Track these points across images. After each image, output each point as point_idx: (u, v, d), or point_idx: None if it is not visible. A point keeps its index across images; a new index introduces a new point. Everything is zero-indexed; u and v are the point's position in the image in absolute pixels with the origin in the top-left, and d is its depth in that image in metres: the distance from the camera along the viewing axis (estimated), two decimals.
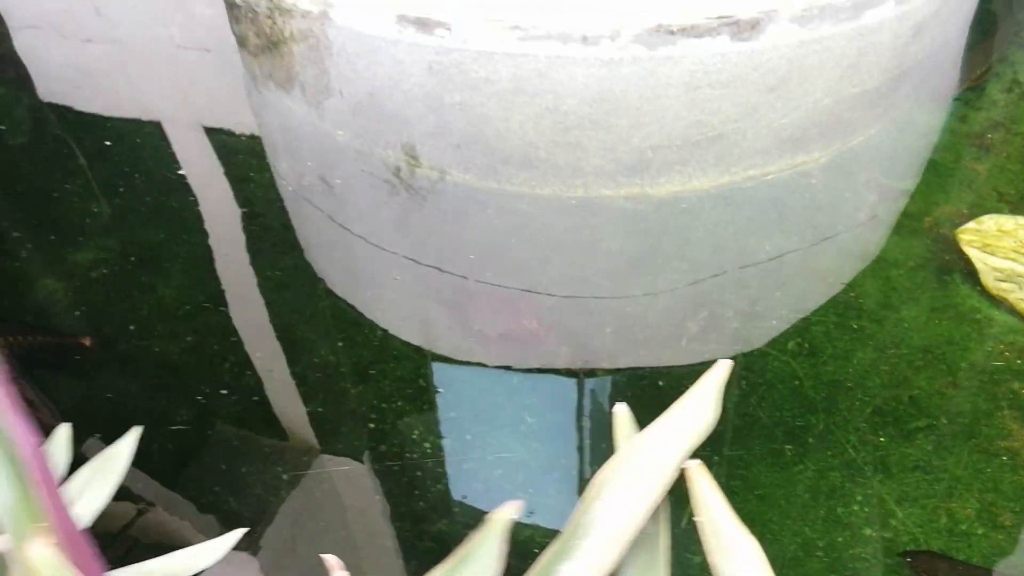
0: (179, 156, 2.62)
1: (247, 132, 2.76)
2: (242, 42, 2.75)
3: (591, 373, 1.89)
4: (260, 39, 2.56)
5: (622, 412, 0.90)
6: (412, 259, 2.17)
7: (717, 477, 1.69)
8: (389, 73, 2.15)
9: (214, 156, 2.63)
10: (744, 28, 1.93)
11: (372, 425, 1.74)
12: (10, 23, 3.40)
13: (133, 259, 2.18)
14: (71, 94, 2.97)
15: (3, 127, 2.77)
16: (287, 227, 2.30)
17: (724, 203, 2.31)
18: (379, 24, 2.08)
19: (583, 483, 1.69)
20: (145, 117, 2.80)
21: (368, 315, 2.01)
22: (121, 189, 2.44)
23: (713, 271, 2.12)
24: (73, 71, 3.12)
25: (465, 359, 1.92)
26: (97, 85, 3.01)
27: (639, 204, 2.33)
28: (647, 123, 2.10)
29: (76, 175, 2.53)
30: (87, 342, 1.89)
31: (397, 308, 2.05)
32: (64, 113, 2.87)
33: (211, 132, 2.76)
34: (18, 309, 2.03)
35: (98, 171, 2.55)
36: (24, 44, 3.28)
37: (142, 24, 3.37)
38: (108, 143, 2.66)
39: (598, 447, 1.73)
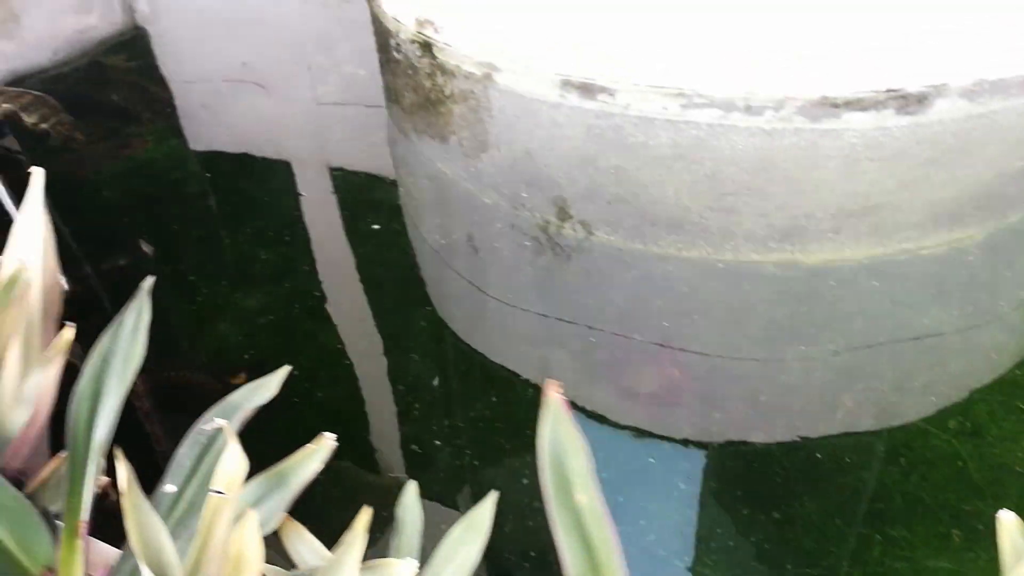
0: (325, 205, 2.79)
1: (389, 183, 2.89)
2: (394, 97, 2.93)
3: (745, 441, 1.89)
4: (417, 96, 2.73)
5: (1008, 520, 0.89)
6: (555, 317, 2.23)
7: (880, 557, 1.65)
8: (546, 135, 2.25)
9: (360, 207, 2.79)
10: (911, 102, 1.93)
11: (525, 481, 1.79)
12: (170, 78, 3.70)
13: (297, 307, 2.32)
14: (220, 141, 3.18)
15: (176, 176, 3.02)
16: (425, 280, 2.41)
17: (877, 275, 2.29)
18: (542, 88, 2.18)
19: (738, 554, 1.68)
20: (300, 169, 2.99)
21: (514, 372, 2.08)
22: (287, 238, 2.61)
23: (867, 342, 2.09)
24: (220, 122, 3.35)
25: (614, 420, 1.95)
26: (245, 133, 3.23)
27: (789, 271, 2.33)
28: (803, 191, 2.12)
29: (244, 222, 2.72)
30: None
31: (540, 366, 2.11)
32: (216, 161, 3.09)
33: (353, 181, 2.92)
34: (194, 351, 2.19)
35: (262, 219, 2.74)
36: (182, 98, 3.56)
37: (284, 75, 3.61)
38: (266, 197, 2.86)
39: (755, 518, 1.72)
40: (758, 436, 1.91)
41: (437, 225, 2.64)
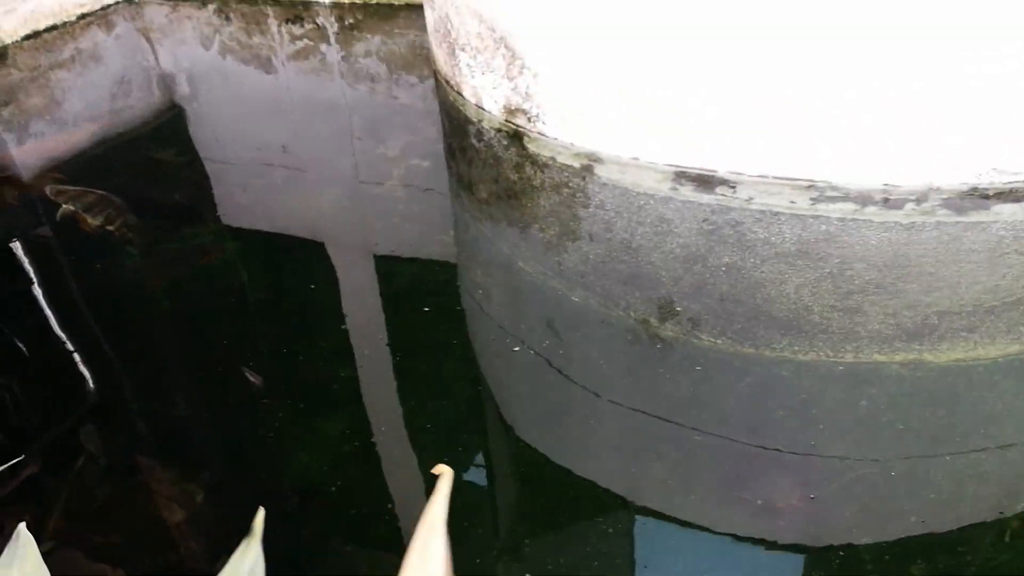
0: (377, 293, 2.65)
1: (445, 266, 2.76)
2: (466, 185, 2.84)
3: (887, 550, 1.69)
4: (497, 186, 2.63)
5: None
6: (649, 413, 2.05)
7: None
8: (651, 231, 2.13)
9: (419, 292, 2.65)
10: None
11: None
12: (207, 159, 3.63)
13: (383, 428, 2.16)
14: (261, 225, 3.08)
15: (234, 281, 2.89)
16: (496, 367, 2.24)
17: (1014, 373, 2.12)
18: (651, 181, 2.08)
19: None
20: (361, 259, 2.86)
21: (590, 477, 1.90)
22: (360, 356, 2.47)
23: (1003, 443, 1.92)
24: (260, 205, 3.23)
25: (713, 527, 1.76)
26: (285, 219, 3.12)
27: (916, 371, 2.17)
28: (938, 288, 1.97)
29: (308, 327, 2.58)
30: None
31: (625, 464, 1.92)
32: (267, 255, 2.97)
33: (406, 266, 2.79)
34: (278, 485, 2.01)
35: (322, 321, 2.60)
36: (219, 181, 3.47)
37: (326, 159, 3.52)
38: (318, 291, 2.73)
39: None
40: (899, 538, 1.71)
41: (510, 311, 2.49)
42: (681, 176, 1.95)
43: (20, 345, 2.57)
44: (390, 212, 3.07)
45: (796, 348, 2.25)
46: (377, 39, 4.42)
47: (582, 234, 2.40)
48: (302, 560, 1.81)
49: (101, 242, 2.91)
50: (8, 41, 4.50)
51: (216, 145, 3.77)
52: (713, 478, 1.97)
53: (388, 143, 3.55)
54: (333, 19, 4.66)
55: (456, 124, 2.89)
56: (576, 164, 2.17)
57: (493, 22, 2.40)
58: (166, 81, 4.33)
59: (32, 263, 2.90)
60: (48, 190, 2.99)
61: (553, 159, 2.23)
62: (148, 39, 4.76)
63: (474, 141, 2.73)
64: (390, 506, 1.90)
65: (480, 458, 2.09)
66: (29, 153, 3.65)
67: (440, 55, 3.06)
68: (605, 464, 2.01)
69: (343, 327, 2.57)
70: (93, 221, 2.82)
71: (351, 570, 1.80)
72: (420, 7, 4.58)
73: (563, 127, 2.29)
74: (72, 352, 2.47)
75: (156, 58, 4.61)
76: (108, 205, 2.89)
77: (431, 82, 3.91)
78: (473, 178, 2.88)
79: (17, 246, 2.94)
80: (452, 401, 2.21)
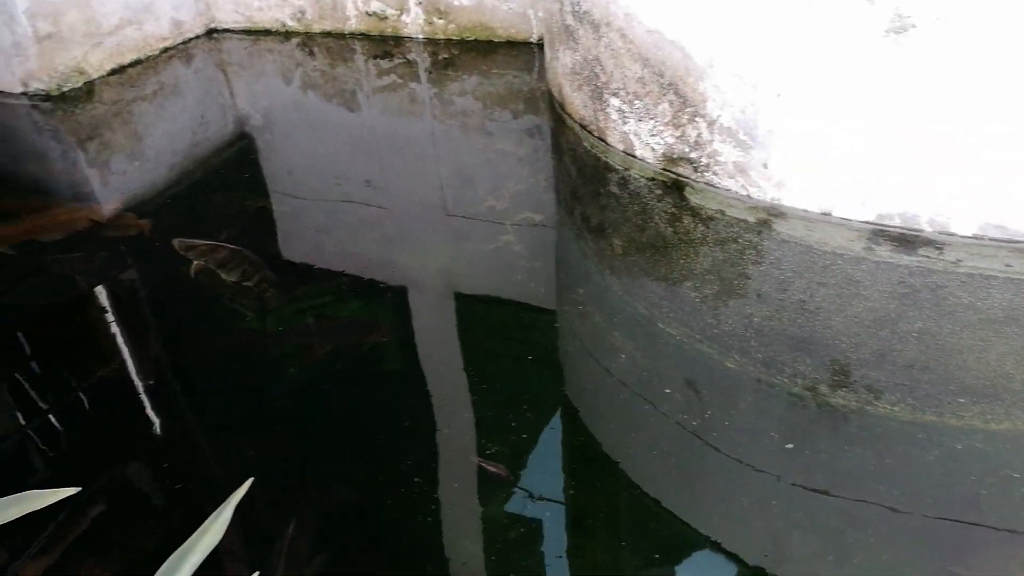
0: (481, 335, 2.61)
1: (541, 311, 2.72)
2: (596, 235, 2.81)
3: None
4: (642, 236, 2.61)
5: None
6: (803, 485, 1.97)
7: None
8: (835, 293, 2.10)
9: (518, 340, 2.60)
10: None
11: None
12: (280, 193, 3.74)
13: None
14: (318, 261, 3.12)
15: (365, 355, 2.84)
16: (638, 441, 2.17)
17: None
18: (842, 239, 2.05)
19: None
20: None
21: (723, 542, 1.82)
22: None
23: None
24: (340, 246, 3.22)
25: None
26: (369, 260, 3.10)
27: None
28: None
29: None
30: None
31: (768, 538, 1.84)
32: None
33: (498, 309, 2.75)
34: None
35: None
36: (293, 216, 3.57)
37: (411, 196, 3.53)
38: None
39: None
40: None
41: (643, 374, 2.42)
42: (879, 235, 1.93)
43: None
44: (494, 263, 3.03)
45: (988, 417, 2.19)
46: (473, 78, 4.45)
47: (748, 293, 2.37)
48: None
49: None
50: (95, 76, 4.81)
51: (302, 185, 3.78)
52: (915, 558, 1.88)
53: (489, 189, 3.54)
54: (426, 55, 4.72)
55: (589, 171, 2.90)
56: (751, 218, 2.15)
57: (662, 67, 2.40)
58: (243, 115, 4.42)
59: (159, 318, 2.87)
60: (176, 244, 3.11)
61: (722, 212, 2.22)
62: (225, 73, 4.87)
63: (615, 189, 2.72)
64: None
65: (617, 529, 2.01)
66: (112, 191, 3.83)
67: (577, 98, 3.08)
68: (765, 545, 1.92)
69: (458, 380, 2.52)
70: (228, 277, 2.82)
71: None
72: (523, 44, 4.66)
73: (739, 178, 2.28)
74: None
75: (232, 94, 4.76)
76: (242, 260, 2.88)
77: (529, 122, 3.93)
78: (607, 228, 2.86)
79: (140, 296, 2.93)
80: (582, 476, 2.14)
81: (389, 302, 2.85)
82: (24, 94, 4.41)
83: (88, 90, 4.60)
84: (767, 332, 2.45)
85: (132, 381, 2.54)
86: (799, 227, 2.17)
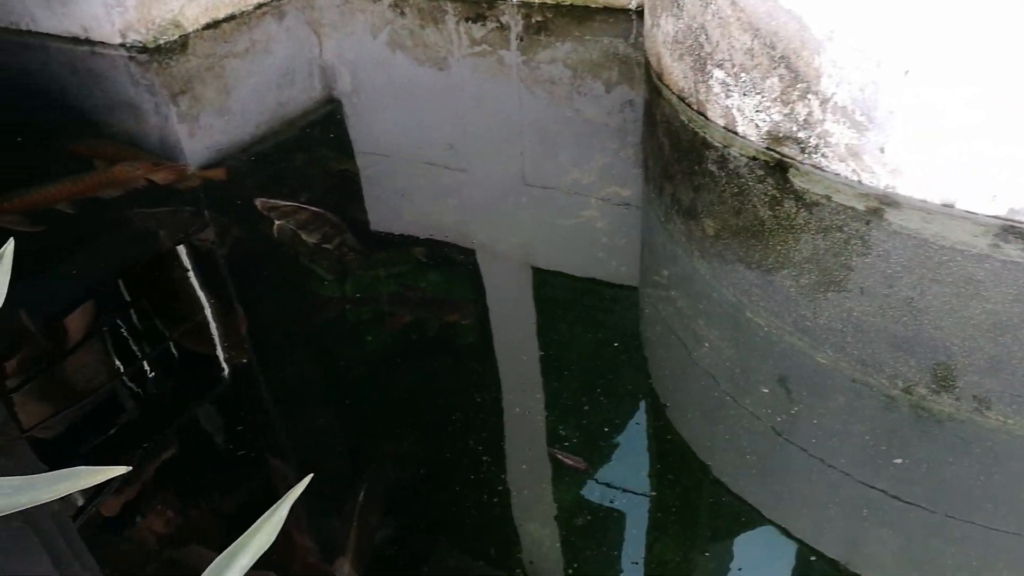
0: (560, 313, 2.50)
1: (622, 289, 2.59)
2: (686, 216, 2.67)
3: None
4: (737, 220, 2.46)
5: None
6: (892, 495, 1.82)
7: None
8: (951, 292, 1.92)
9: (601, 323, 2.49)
10: None
11: None
12: (365, 153, 3.72)
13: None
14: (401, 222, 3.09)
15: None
16: (714, 433, 2.04)
17: None
18: (964, 234, 1.86)
19: None
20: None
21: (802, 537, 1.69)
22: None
23: None
24: (422, 211, 3.20)
25: None
26: (449, 226, 3.03)
27: None
28: None
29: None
30: None
31: (845, 541, 1.69)
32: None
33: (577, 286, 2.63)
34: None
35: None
36: (377, 180, 3.52)
37: (493, 163, 3.50)
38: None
39: None
40: None
41: (726, 363, 2.28)
42: (1009, 231, 1.75)
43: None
44: (580, 237, 2.92)
45: None
46: (567, 44, 4.32)
47: (851, 287, 2.21)
48: None
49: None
50: (190, 29, 4.86)
51: (385, 146, 3.75)
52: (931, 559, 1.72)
53: (574, 161, 3.43)
54: (519, 18, 4.62)
55: (684, 146, 2.76)
56: (860, 206, 1.99)
57: (774, 38, 2.24)
58: (330, 74, 4.45)
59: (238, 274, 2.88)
60: (259, 204, 3.13)
61: (828, 197, 2.06)
62: (316, 31, 4.88)
63: (711, 168, 2.58)
64: None
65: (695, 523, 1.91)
66: (198, 146, 3.88)
67: (677, 69, 2.94)
68: (846, 553, 1.78)
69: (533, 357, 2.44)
70: (309, 239, 2.81)
71: None
72: (621, 11, 4.51)
73: (851, 162, 2.11)
74: None
75: (321, 52, 4.77)
76: (324, 223, 2.87)
77: (622, 92, 3.78)
78: (699, 208, 2.72)
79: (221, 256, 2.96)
80: (658, 467, 2.04)
81: (466, 274, 2.79)
82: (122, 45, 4.52)
83: (183, 43, 4.66)
84: (867, 329, 2.29)
85: (210, 338, 2.57)
86: (915, 218, 2.00)
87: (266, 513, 0.76)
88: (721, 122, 2.49)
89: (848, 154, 2.14)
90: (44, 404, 2.35)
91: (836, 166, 2.12)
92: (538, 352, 2.43)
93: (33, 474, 0.80)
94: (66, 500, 2.01)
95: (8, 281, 0.87)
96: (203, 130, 3.95)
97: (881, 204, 2.04)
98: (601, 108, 3.88)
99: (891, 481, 1.94)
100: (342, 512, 1.92)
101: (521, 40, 4.59)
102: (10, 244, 0.90)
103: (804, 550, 1.81)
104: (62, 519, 1.91)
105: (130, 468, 0.85)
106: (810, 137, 2.25)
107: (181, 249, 2.98)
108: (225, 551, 0.74)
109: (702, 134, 2.67)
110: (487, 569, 1.80)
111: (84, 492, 2.06)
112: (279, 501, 0.76)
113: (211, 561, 0.79)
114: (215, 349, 2.51)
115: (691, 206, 2.83)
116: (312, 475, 0.85)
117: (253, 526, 0.75)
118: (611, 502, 1.97)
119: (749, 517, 1.87)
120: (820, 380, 2.29)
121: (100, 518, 1.97)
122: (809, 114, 2.27)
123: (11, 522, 1.86)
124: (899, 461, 2.00)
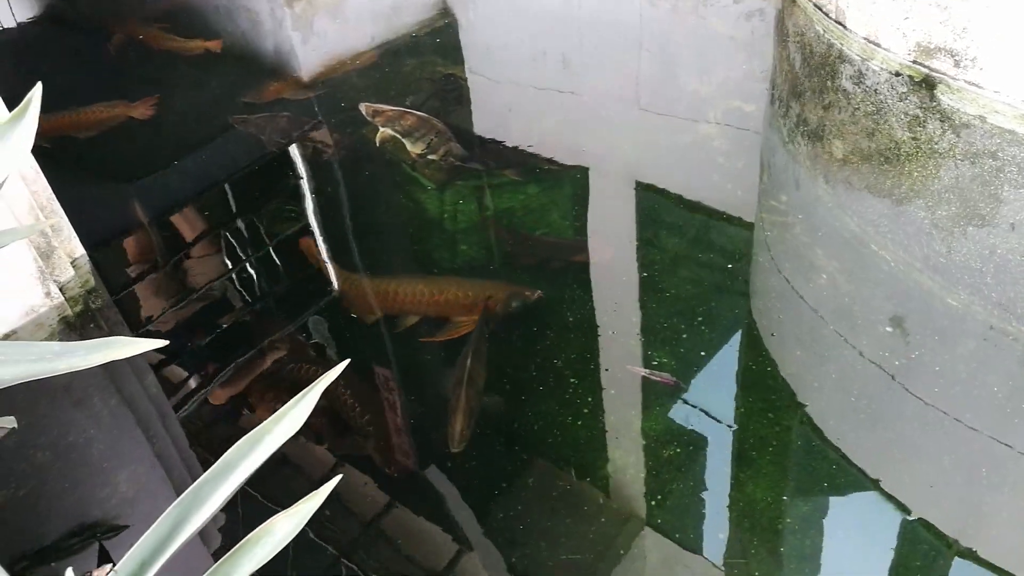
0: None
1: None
2: (814, 136, 2.46)
3: None
4: (871, 143, 2.25)
5: None
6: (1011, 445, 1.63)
7: None
8: None
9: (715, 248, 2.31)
10: None
11: None
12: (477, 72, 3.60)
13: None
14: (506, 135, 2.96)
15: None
16: (823, 376, 1.87)
17: None
18: None
19: None
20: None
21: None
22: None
23: None
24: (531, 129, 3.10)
25: None
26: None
27: None
28: None
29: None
30: None
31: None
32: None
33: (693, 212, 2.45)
34: None
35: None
36: (487, 98, 3.40)
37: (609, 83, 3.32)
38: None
39: None
40: None
41: (843, 301, 2.08)
42: None
43: None
44: (693, 156, 2.74)
45: None
46: None
47: (998, 221, 1.98)
48: None
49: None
50: None
51: (497, 60, 3.64)
52: None
53: (695, 74, 3.21)
54: None
55: (816, 60, 2.51)
56: (1022, 129, 1.72)
57: None
58: None
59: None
60: (363, 109, 3.07)
61: (982, 118, 1.82)
62: None
63: (847, 83, 2.34)
64: None
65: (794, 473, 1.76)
66: (312, 49, 3.87)
67: None
68: (961, 517, 1.61)
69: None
70: (414, 149, 2.74)
71: None
72: None
73: (1016, 78, 1.83)
74: None
75: None
76: (429, 130, 2.79)
77: (752, 4, 3.49)
78: (828, 129, 2.50)
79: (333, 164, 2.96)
80: (754, 403, 1.89)
81: (568, 187, 2.69)
82: None
83: None
84: (1011, 269, 2.04)
85: (311, 235, 2.59)
86: None
87: (295, 398, 0.72)
88: (862, 32, 2.20)
89: (1014, 66, 1.84)
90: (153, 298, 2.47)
91: (995, 82, 1.84)
92: (637, 272, 2.32)
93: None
94: (167, 387, 2.11)
95: (36, 125, 0.85)
96: (316, 34, 3.96)
97: None
98: (728, 18, 3.59)
99: (1020, 437, 1.74)
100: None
101: None
102: (37, 88, 0.88)
103: (911, 509, 1.67)
104: (160, 403, 2.00)
105: (167, 342, 0.83)
106: (966, 48, 1.94)
107: (288, 151, 3.01)
108: (250, 433, 0.71)
109: (839, 46, 2.38)
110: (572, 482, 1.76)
111: (185, 380, 2.16)
112: (311, 385, 0.72)
113: None
114: (315, 249, 2.54)
115: (818, 126, 2.58)
116: (348, 360, 0.81)
117: (281, 410, 0.72)
118: (699, 431, 1.87)
119: (846, 461, 1.73)
120: (949, 324, 2.07)
121: (192, 404, 2.06)
122: (968, 21, 1.96)
123: (109, 400, 1.97)
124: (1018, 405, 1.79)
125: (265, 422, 0.72)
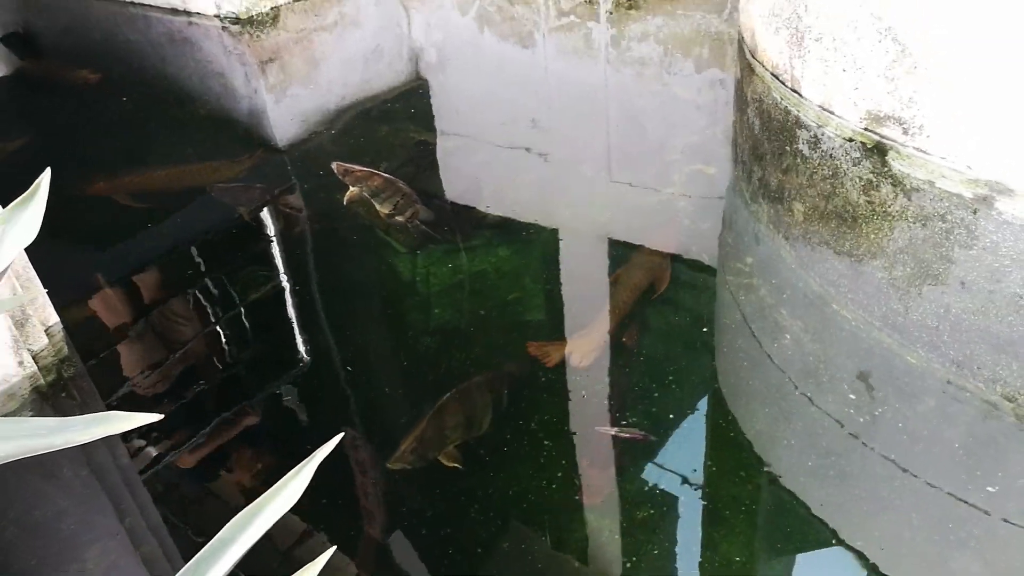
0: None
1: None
2: (773, 197, 2.55)
3: None
4: (827, 204, 2.36)
5: None
6: (1006, 519, 1.69)
7: None
8: None
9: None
10: None
11: None
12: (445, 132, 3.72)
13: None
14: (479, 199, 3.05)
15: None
16: (790, 433, 1.94)
17: None
18: None
19: None
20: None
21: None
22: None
23: None
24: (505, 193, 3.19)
25: None
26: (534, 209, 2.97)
27: None
28: None
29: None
30: None
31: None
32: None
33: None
34: None
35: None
36: (456, 157, 3.51)
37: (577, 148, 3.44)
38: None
39: None
40: None
41: (806, 359, 2.16)
42: None
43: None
44: (655, 218, 2.83)
45: None
46: (658, 18, 4.22)
47: (950, 280, 2.07)
48: None
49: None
50: (281, 3, 5.00)
51: (468, 123, 3.74)
52: None
53: (660, 138, 3.33)
54: None
55: (776, 126, 2.63)
56: (968, 193, 1.85)
57: (882, 10, 2.09)
58: (417, 51, 4.47)
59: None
60: (335, 167, 3.18)
61: (930, 183, 1.93)
62: (405, 6, 4.93)
63: (803, 148, 2.46)
64: None
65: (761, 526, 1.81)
66: (285, 115, 3.98)
67: (772, 43, 2.81)
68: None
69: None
70: (382, 208, 2.80)
71: None
72: None
73: (959, 145, 1.95)
74: None
75: (409, 27, 4.81)
76: (396, 192, 2.87)
77: (713, 68, 3.67)
78: (788, 191, 2.61)
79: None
80: (724, 462, 1.95)
81: (538, 248, 2.75)
82: (217, 16, 4.66)
83: (274, 16, 4.79)
84: (966, 327, 2.14)
85: (283, 299, 2.63)
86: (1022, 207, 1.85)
87: (293, 471, 0.76)
88: (817, 100, 2.34)
89: (956, 135, 1.97)
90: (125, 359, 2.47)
91: (941, 149, 1.96)
92: (607, 333, 2.37)
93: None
94: (136, 456, 2.10)
95: (43, 213, 0.90)
96: (289, 99, 4.07)
97: (992, 192, 1.89)
98: (691, 85, 3.75)
99: (984, 496, 1.81)
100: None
101: (611, 13, 4.49)
102: (46, 175, 0.92)
103: (878, 566, 1.71)
104: (129, 473, 1.99)
105: (162, 416, 0.85)
106: (913, 117, 2.08)
107: (262, 214, 3.06)
108: (247, 507, 0.74)
109: (796, 112, 2.52)
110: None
111: (154, 448, 2.15)
112: (305, 461, 0.76)
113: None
114: (284, 307, 2.57)
115: (779, 189, 2.70)
116: (343, 434, 0.85)
117: (279, 483, 0.75)
118: (670, 492, 1.91)
119: (817, 520, 1.78)
120: (909, 381, 2.15)
121: (163, 472, 2.05)
122: (914, 93, 2.10)
123: (80, 471, 1.96)
124: (997, 475, 1.86)
125: (262, 496, 0.75)
